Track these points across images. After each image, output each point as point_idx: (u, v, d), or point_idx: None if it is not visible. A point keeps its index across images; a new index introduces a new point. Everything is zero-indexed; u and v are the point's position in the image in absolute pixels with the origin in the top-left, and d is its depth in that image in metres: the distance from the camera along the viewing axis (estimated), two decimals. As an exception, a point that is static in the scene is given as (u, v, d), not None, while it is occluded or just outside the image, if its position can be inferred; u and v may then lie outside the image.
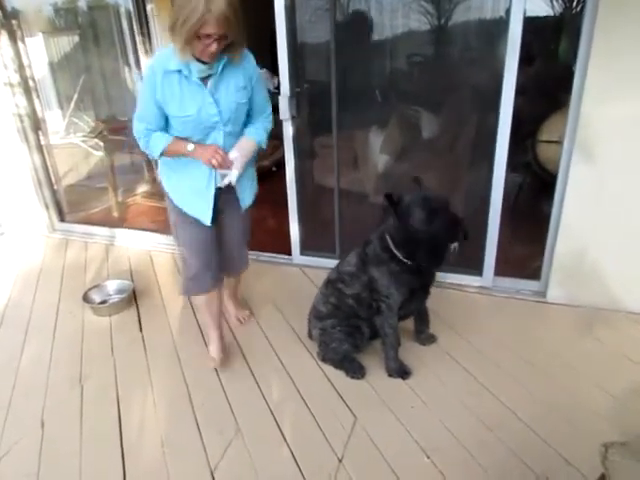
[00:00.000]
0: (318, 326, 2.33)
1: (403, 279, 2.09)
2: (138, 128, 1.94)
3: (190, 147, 1.92)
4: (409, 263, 2.05)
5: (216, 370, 2.35)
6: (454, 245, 1.94)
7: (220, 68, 1.84)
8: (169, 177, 2.13)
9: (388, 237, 2.08)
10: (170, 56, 1.79)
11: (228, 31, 1.69)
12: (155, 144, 1.95)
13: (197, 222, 2.10)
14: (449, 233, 1.92)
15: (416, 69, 3.12)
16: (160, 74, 1.81)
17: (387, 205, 1.99)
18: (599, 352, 2.36)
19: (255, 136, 2.06)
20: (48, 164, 4.12)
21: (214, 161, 1.87)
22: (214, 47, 1.70)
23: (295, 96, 2.90)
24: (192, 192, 2.06)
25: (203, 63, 1.79)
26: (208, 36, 1.67)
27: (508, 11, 2.36)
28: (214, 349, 2.39)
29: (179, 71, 1.80)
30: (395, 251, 2.05)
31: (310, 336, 2.45)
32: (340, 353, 2.27)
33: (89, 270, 3.52)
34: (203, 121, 1.89)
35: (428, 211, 1.90)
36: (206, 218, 2.09)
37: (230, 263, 2.41)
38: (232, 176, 1.97)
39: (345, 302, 2.24)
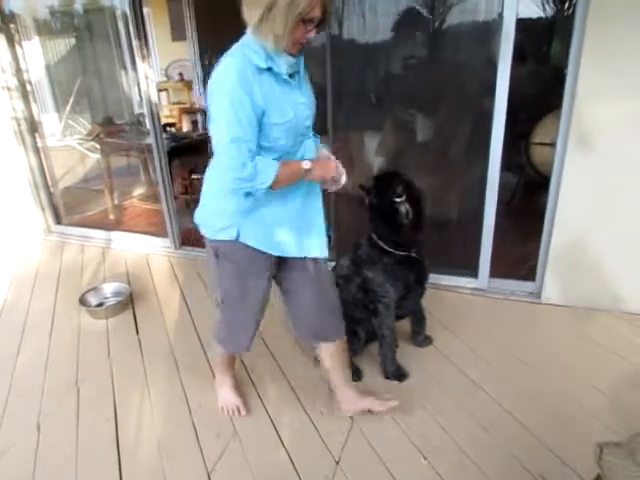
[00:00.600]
0: None
1: (397, 273, 2.12)
2: (240, 154, 1.42)
3: (307, 165, 1.54)
4: (399, 254, 2.10)
5: (212, 372, 2.36)
6: (404, 206, 2.02)
7: (301, 63, 1.56)
8: (257, 215, 1.61)
9: (373, 234, 2.13)
10: (253, 53, 1.44)
11: (328, 15, 1.45)
12: (266, 170, 1.46)
13: (267, 273, 1.73)
14: (386, 190, 2.05)
15: (410, 72, 3.14)
16: (253, 74, 1.42)
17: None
18: (594, 352, 2.37)
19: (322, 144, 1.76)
20: (44, 166, 4.12)
21: (344, 179, 1.60)
22: (313, 33, 1.44)
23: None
24: (302, 221, 1.67)
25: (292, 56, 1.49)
26: (311, 20, 1.40)
27: (501, 14, 2.38)
28: (232, 396, 2.13)
29: (269, 69, 1.45)
30: (383, 244, 2.10)
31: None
32: None
33: (85, 273, 3.52)
34: (299, 126, 1.55)
35: (373, 183, 2.09)
36: (324, 248, 1.73)
37: (319, 325, 1.87)
38: (342, 181, 1.67)
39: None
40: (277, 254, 1.68)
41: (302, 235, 1.68)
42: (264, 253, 1.66)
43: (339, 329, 1.91)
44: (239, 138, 1.42)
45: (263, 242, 1.64)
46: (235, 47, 1.48)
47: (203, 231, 1.71)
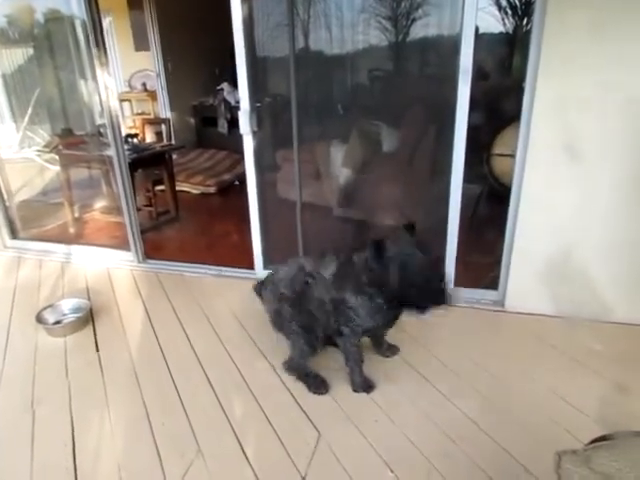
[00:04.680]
0: (274, 305, 2.28)
1: (382, 312, 2.06)
2: None
3: None
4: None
5: (176, 388, 2.30)
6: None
7: None
8: None
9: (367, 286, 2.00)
10: None
11: None
12: None
13: None
14: (425, 298, 1.90)
15: (375, 84, 3.18)
16: None
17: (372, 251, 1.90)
18: (556, 360, 2.42)
19: None
20: (-1, 179, 3.97)
21: None
22: None
23: (255, 111, 2.90)
24: None
25: None
26: None
27: (461, 28, 2.43)
28: None
29: None
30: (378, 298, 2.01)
31: (259, 296, 2.43)
32: (297, 348, 2.26)
33: (43, 289, 3.38)
34: None
35: (406, 273, 1.86)
36: None
37: None
38: None
39: (308, 300, 2.18)
40: None
41: None
42: None
43: None
44: None
45: None
46: None
47: None
